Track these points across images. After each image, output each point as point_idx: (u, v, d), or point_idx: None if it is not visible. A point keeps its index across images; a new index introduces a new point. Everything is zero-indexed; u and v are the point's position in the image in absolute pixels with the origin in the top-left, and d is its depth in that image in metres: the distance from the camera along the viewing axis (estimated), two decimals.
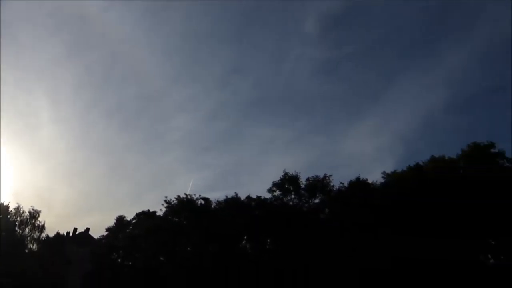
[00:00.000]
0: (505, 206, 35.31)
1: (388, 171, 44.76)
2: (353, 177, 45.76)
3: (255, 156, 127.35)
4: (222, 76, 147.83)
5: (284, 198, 48.16)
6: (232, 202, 49.09)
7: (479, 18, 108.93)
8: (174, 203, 50.07)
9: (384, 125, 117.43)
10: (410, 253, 35.90)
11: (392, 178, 44.02)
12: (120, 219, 58.46)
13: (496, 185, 36.78)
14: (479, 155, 39.84)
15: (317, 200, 47.42)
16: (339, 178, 56.49)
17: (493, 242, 38.05)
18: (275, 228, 45.03)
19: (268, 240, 48.18)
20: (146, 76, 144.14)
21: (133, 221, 56.24)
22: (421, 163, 42.55)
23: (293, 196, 48.07)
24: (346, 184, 45.63)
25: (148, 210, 55.47)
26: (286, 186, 48.16)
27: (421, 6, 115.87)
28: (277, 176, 48.58)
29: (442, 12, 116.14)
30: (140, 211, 56.24)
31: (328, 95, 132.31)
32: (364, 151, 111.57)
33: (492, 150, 39.89)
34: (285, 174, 48.12)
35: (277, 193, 48.25)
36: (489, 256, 38.38)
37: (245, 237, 48.43)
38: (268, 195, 48.35)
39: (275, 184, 48.28)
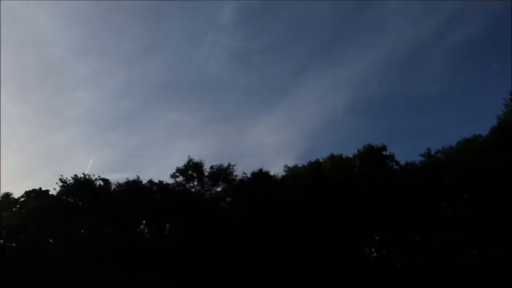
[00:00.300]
0: (389, 205, 38.35)
1: (290, 165, 46.54)
2: (256, 168, 46.79)
3: (160, 140, 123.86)
4: (132, 53, 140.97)
5: (187, 185, 48.00)
6: (133, 185, 47.70)
7: (385, 27, 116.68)
8: (71, 183, 47.36)
9: (289, 120, 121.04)
10: (310, 247, 37.64)
11: (293, 172, 45.74)
12: (6, 196, 53.77)
13: (384, 185, 39.83)
14: (373, 156, 43.02)
15: (219, 189, 47.95)
16: (243, 168, 57.20)
17: (377, 237, 41.18)
18: (176, 214, 44.77)
19: (168, 226, 47.86)
20: (48, 43, 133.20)
21: (22, 199, 52.14)
22: (320, 160, 44.73)
23: (196, 183, 48.02)
24: (249, 175, 46.59)
25: (40, 188, 51.64)
26: (190, 172, 47.93)
27: (336, 9, 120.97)
28: (181, 161, 48.17)
29: (353, 18, 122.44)
30: (30, 189, 52.40)
31: (238, 85, 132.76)
32: (268, 143, 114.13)
33: (384, 152, 43.29)
34: (190, 160, 47.86)
35: (180, 179, 47.91)
36: (373, 249, 41.66)
37: (144, 222, 47.52)
38: (171, 181, 47.84)
39: (178, 170, 47.83)
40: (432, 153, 41.60)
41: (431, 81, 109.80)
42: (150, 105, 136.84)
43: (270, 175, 46.55)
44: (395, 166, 43.09)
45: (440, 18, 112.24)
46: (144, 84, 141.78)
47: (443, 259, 34.40)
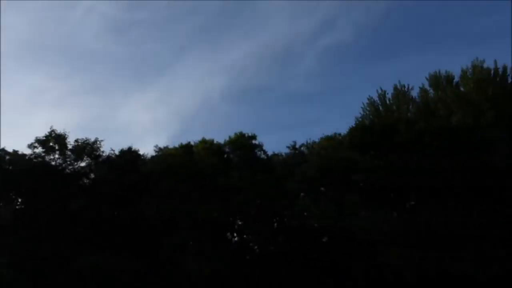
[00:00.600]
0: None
1: (161, 145, 45.78)
2: (125, 146, 45.55)
3: (19, 106, 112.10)
4: None
5: (47, 157, 44.58)
6: None
7: (266, 21, 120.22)
8: None
9: (164, 99, 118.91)
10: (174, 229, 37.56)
11: (163, 153, 45.13)
12: None
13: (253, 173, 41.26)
14: (243, 144, 44.20)
15: (83, 164, 45.50)
16: (111, 145, 55.20)
17: (240, 223, 42.78)
18: (31, 188, 41.52)
19: (20, 200, 44.14)
20: None
21: None
22: (192, 143, 44.71)
23: (57, 155, 44.86)
24: (117, 152, 45.18)
25: None
26: (51, 144, 44.57)
27: None
28: (43, 132, 44.72)
29: (236, 7, 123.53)
30: None
31: (113, 56, 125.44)
32: (141, 121, 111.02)
33: (253, 141, 44.72)
34: (52, 131, 44.50)
35: (39, 150, 44.30)
36: (235, 234, 43.20)
37: None
38: (28, 151, 43.94)
39: (38, 140, 44.15)
40: (298, 146, 44.40)
41: (303, 78, 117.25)
42: (8, 66, 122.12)
43: (140, 154, 45.60)
44: (262, 156, 44.94)
45: (316, 21, 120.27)
46: (3, 42, 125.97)
47: (298, 245, 36.72)
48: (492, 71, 40.52)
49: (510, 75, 40.67)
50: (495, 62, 40.88)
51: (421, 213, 33.95)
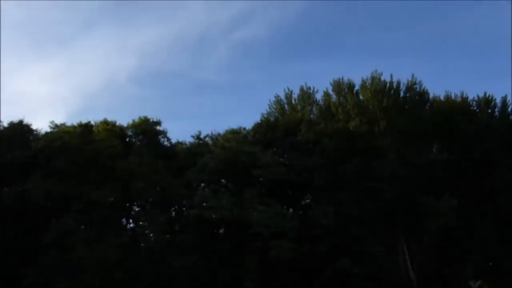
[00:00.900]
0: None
1: (58, 122, 42.92)
2: (16, 118, 42.14)
3: None
4: None
5: None
6: None
7: (182, 5, 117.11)
8: None
9: (65, 73, 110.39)
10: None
11: (59, 130, 42.45)
12: None
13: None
14: (146, 129, 43.06)
15: None
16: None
17: (137, 209, 41.99)
18: None
19: None
20: None
21: None
22: (92, 123, 42.50)
23: None
24: (5, 124, 41.69)
25: None
26: None
27: None
28: None
29: None
30: None
31: (10, 20, 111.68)
32: (37, 93, 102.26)
33: (158, 127, 43.80)
34: None
35: None
36: (130, 221, 42.29)
37: None
38: None
39: None
40: (202, 136, 44.41)
41: (214, 69, 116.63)
42: None
43: (32, 129, 42.66)
44: (166, 142, 44.33)
45: (232, 13, 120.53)
46: None
47: (194, 235, 37.00)
48: (387, 84, 43.78)
49: (403, 90, 44.31)
50: (391, 76, 44.24)
51: (314, 210, 35.91)
